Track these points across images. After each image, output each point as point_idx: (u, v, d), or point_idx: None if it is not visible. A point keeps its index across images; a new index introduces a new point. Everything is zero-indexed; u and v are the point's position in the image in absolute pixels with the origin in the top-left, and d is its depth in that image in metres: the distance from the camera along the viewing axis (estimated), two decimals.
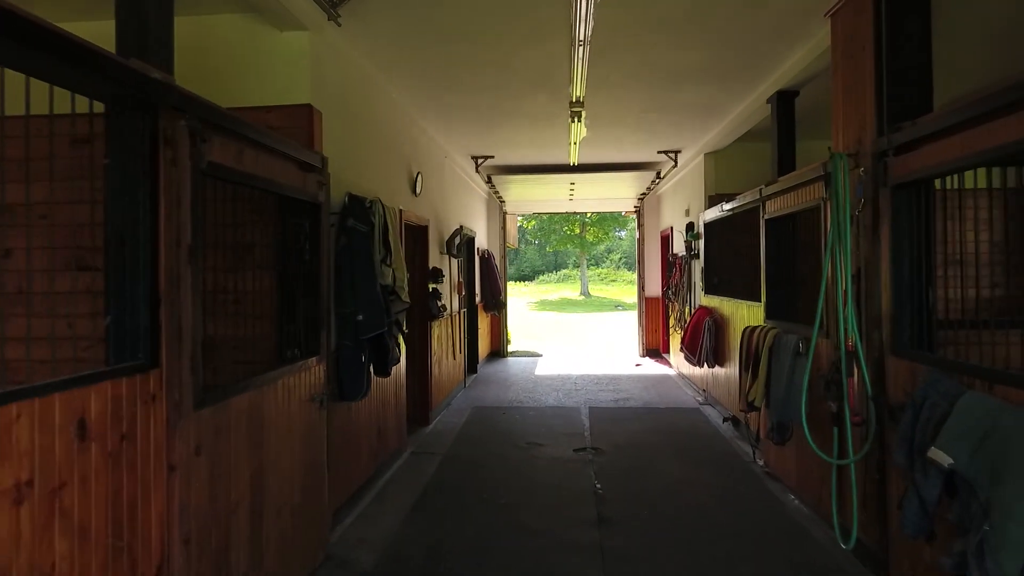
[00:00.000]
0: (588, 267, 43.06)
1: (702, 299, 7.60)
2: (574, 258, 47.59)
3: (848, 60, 3.59)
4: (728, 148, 7.43)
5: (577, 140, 6.71)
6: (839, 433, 3.57)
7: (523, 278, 47.68)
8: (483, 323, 10.97)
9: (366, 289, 3.93)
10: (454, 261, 8.08)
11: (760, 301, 5.21)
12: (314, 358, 3.45)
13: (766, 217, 5.00)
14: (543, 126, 6.74)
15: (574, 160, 8.01)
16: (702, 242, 7.63)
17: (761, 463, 5.07)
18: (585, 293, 38.93)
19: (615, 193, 11.39)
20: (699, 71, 4.98)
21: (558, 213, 11.95)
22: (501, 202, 11.78)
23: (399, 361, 4.82)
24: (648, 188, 10.66)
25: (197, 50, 3.81)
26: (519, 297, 37.73)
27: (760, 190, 5.09)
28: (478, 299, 10.56)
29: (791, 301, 4.82)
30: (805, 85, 4.95)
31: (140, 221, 2.13)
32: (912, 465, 2.59)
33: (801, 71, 4.69)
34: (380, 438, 4.92)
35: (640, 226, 11.81)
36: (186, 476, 2.26)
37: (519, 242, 52.07)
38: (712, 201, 7.45)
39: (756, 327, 4.90)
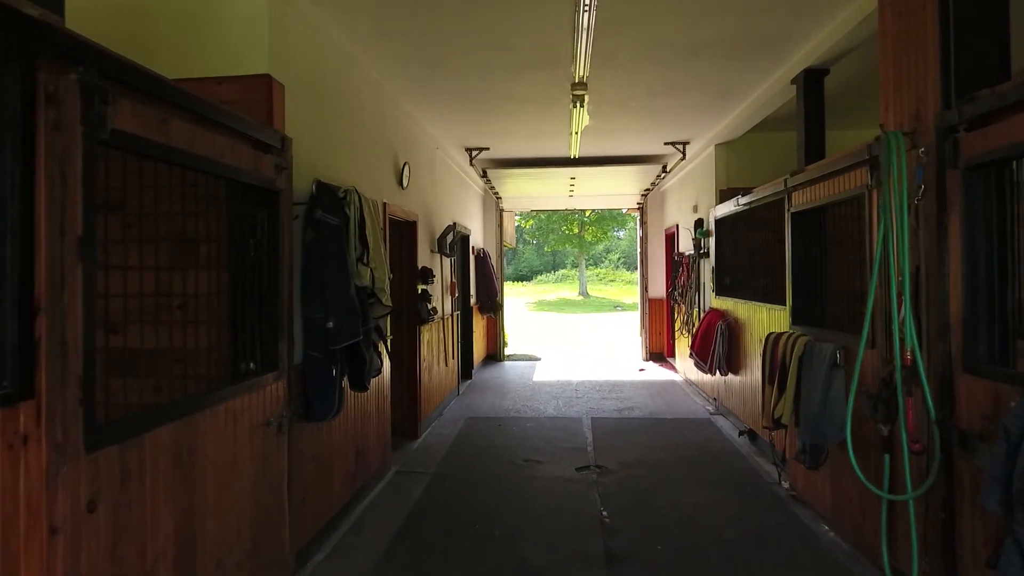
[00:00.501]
0: (586, 267, 42.54)
1: (712, 301, 7.07)
2: (572, 258, 47.10)
3: (900, 20, 3.06)
4: (742, 139, 6.90)
5: (579, 129, 6.17)
6: (891, 461, 3.04)
7: (521, 278, 47.18)
8: (478, 326, 10.43)
9: (338, 291, 3.39)
10: (446, 260, 7.54)
11: (784, 304, 4.68)
12: (270, 374, 2.90)
13: (793, 210, 4.47)
14: (542, 114, 6.21)
15: (575, 152, 7.47)
16: (713, 240, 7.09)
17: (786, 485, 4.54)
18: (584, 293, 38.42)
19: (617, 189, 10.85)
20: (716, 46, 4.45)
21: (557, 211, 11.15)
22: (498, 198, 11.24)
23: (380, 372, 4.28)
24: (652, 184, 10.13)
25: (138, 13, 3.27)
26: (517, 297, 37.21)
27: (785, 181, 4.56)
28: (473, 301, 10.02)
29: (822, 304, 4.29)
30: (836, 63, 4.42)
31: (6, 202, 1.59)
32: (1011, 513, 2.06)
33: (832, 46, 4.16)
34: (359, 458, 4.38)
35: (643, 224, 11.28)
36: (74, 539, 1.72)
37: (517, 241, 51.68)
38: (724, 196, 6.92)
39: (781, 334, 4.37)
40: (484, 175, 9.22)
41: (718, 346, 6.35)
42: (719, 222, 6.92)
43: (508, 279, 46.17)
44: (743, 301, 5.96)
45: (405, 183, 5.68)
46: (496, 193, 11.01)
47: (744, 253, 6.59)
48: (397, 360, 5.91)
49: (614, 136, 7.29)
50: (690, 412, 7.15)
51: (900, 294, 2.91)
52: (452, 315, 7.93)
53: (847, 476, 3.63)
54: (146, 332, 3.08)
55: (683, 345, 9.02)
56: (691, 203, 8.45)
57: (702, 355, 6.69)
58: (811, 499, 4.17)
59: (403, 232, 6.00)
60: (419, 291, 6.15)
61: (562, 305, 33.47)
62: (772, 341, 4.41)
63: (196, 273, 3.03)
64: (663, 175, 9.29)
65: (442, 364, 7.24)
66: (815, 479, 4.08)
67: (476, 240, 10.29)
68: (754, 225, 6.17)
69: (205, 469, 2.35)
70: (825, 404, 3.66)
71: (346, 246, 3.53)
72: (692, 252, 8.18)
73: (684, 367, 9.09)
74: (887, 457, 3.05)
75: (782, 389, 4.13)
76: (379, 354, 4.21)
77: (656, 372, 10.00)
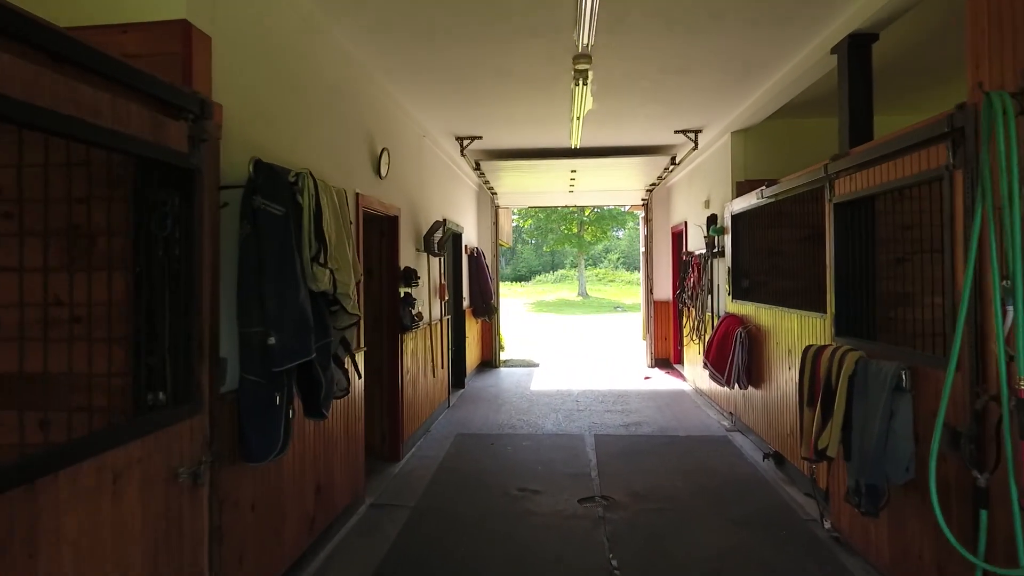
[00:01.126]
0: (586, 267, 41.88)
1: (729, 305, 6.38)
2: (571, 258, 46.43)
3: None
4: (762, 125, 6.23)
5: (581, 114, 5.49)
6: (988, 519, 2.36)
7: (520, 279, 46.57)
8: (472, 330, 9.75)
9: (281, 299, 2.70)
10: (435, 260, 6.85)
11: (824, 312, 4.00)
12: (184, 407, 2.21)
13: (835, 201, 3.78)
14: (539, 96, 5.52)
15: (576, 142, 6.79)
16: (728, 237, 6.41)
17: (828, 526, 3.86)
18: (583, 294, 37.77)
19: (621, 184, 10.15)
20: (743, 8, 3.76)
21: (557, 208, 10.40)
22: (492, 194, 10.55)
23: (347, 393, 3.59)
24: (659, 178, 9.45)
25: None
26: (515, 298, 36.53)
27: (825, 167, 3.87)
28: (466, 303, 9.33)
29: (876, 312, 3.61)
30: (887, 26, 3.74)
31: None
32: None
33: (885, 4, 3.48)
34: (321, 496, 3.69)
35: (647, 221, 10.59)
36: None
37: (515, 241, 50.95)
38: (741, 189, 6.24)
39: (824, 347, 3.68)
40: (477, 168, 8.54)
41: (737, 356, 5.66)
42: (736, 218, 6.23)
43: (506, 280, 45.72)
44: (766, 306, 5.28)
45: (384, 172, 4.99)
46: (491, 188, 10.33)
47: (765, 252, 5.91)
48: (375, 374, 5.23)
49: (620, 123, 6.61)
50: (704, 428, 6.46)
51: (1007, 303, 2.23)
52: (442, 320, 7.24)
53: (914, 525, 2.95)
54: (29, 352, 2.39)
55: (692, 352, 8.35)
56: (702, 198, 7.77)
57: (718, 366, 6.01)
58: (861, 546, 3.49)
59: (383, 228, 5.31)
60: (402, 295, 5.46)
61: (561, 306, 32.81)
62: (812, 356, 3.72)
63: (90, 276, 2.34)
64: (671, 168, 8.61)
65: (429, 375, 6.55)
66: (866, 521, 3.40)
67: (469, 238, 9.61)
68: (779, 221, 5.50)
69: (59, 553, 1.66)
70: (886, 437, 2.98)
71: (296, 242, 2.84)
72: (703, 251, 7.51)
73: (694, 375, 8.41)
74: (983, 514, 2.37)
75: (827, 414, 3.44)
76: (345, 372, 3.52)
77: (663, 380, 9.31)
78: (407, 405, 5.59)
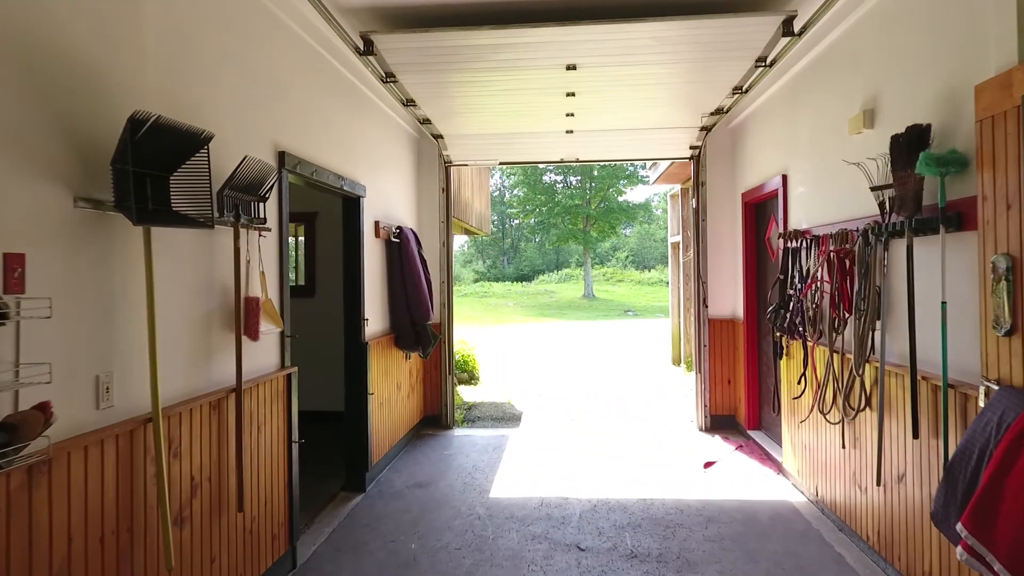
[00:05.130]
0: (592, 266, 37.75)
1: (986, 348, 2.22)
2: (577, 256, 42.27)
3: None
4: None
5: None
6: None
7: (522, 278, 42.49)
8: (398, 371, 5.60)
9: None
10: (255, 238, 2.71)
11: None
12: None
13: None
14: None
15: None
16: (988, 179, 2.24)
17: None
18: (589, 295, 33.62)
19: (653, 119, 5.83)
20: None
21: (547, 165, 5.85)
22: (438, 140, 6.38)
23: None
24: (722, 109, 5.28)
25: None
26: (514, 299, 32.36)
27: None
28: (380, 326, 5.19)
29: None
30: None
31: None
32: None
33: None
34: None
35: (696, 187, 6.40)
36: None
37: (517, 238, 46.83)
38: None
39: None
40: (390, 79, 4.39)
41: None
42: None
43: (508, 279, 41.38)
44: None
45: None
46: (436, 134, 6.17)
47: None
48: None
49: None
50: None
51: None
52: (271, 379, 3.11)
53: None
54: None
55: (807, 431, 4.20)
56: (848, 107, 3.60)
57: (995, 522, 1.83)
58: None
59: None
60: None
61: (565, 309, 28.67)
62: None
63: None
64: (756, 77, 4.45)
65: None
66: None
67: (390, 211, 5.46)
68: None
69: None
70: None
71: None
72: (856, 224, 3.35)
73: (800, 463, 4.26)
74: None
75: None
76: None
77: (737, 469, 5.12)
78: None
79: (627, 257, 45.95)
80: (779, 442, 5.28)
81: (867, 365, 3.34)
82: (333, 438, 5.62)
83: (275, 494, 3.27)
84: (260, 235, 3.09)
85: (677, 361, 10.79)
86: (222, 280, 2.80)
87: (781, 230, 4.77)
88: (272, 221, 3.24)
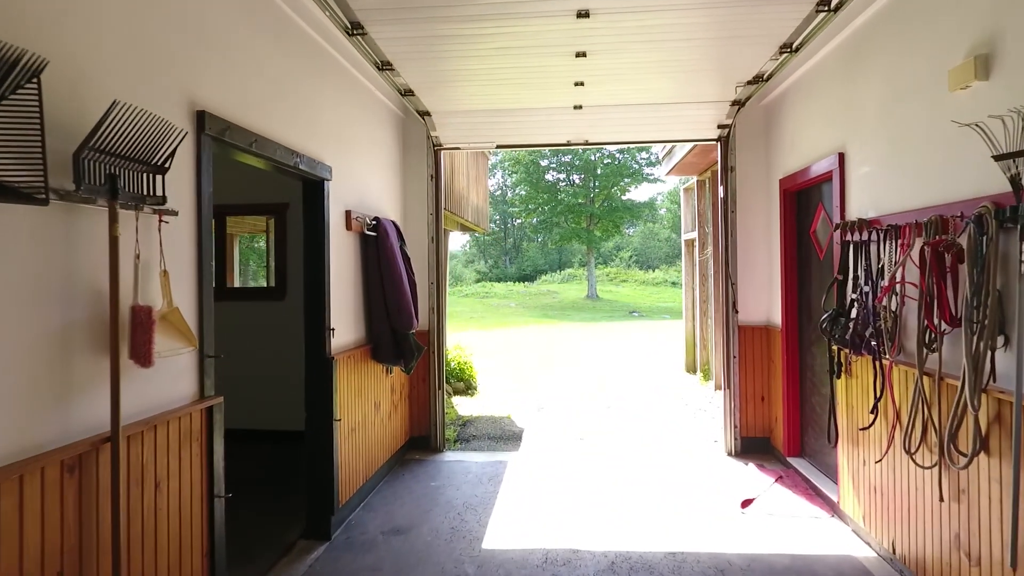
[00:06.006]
0: (596, 266, 36.91)
1: None
2: (580, 256, 41.39)
3: None
4: None
5: None
6: None
7: (524, 278, 41.67)
8: (377, 388, 4.77)
9: None
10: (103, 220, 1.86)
11: None
12: None
13: None
14: None
15: None
16: None
17: None
18: (593, 295, 32.76)
19: (675, 91, 4.95)
20: None
21: (553, 148, 4.99)
22: (425, 118, 5.54)
23: None
24: (762, 76, 4.44)
25: None
26: (517, 299, 31.50)
27: None
28: (357, 339, 4.34)
29: None
30: None
31: None
32: None
33: None
34: None
35: (724, 172, 5.55)
36: None
37: (519, 238, 45.94)
38: None
39: None
40: (359, 30, 3.56)
41: None
42: None
43: (510, 279, 40.41)
44: None
45: None
46: (422, 111, 5.34)
47: None
48: None
49: None
50: None
51: None
52: (179, 416, 2.26)
53: None
54: None
55: (881, 470, 3.36)
56: (953, 56, 2.75)
57: None
58: None
59: None
60: None
61: (568, 310, 27.85)
62: None
63: None
64: (819, 20, 3.62)
65: None
66: None
67: (367, 201, 4.63)
68: None
69: None
70: None
71: None
72: (972, 211, 2.50)
73: (867, 508, 3.40)
74: None
75: None
76: None
77: (781, 507, 4.27)
78: None
79: (631, 257, 45.11)
80: (828, 473, 4.43)
81: (984, 395, 2.49)
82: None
83: (185, 571, 2.44)
84: (161, 220, 2.25)
85: (692, 369, 9.94)
86: (91, 282, 1.96)
87: (838, 219, 3.92)
88: (183, 203, 2.41)
